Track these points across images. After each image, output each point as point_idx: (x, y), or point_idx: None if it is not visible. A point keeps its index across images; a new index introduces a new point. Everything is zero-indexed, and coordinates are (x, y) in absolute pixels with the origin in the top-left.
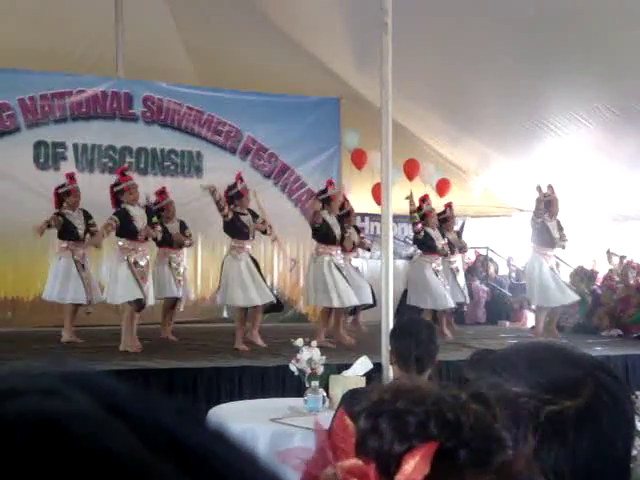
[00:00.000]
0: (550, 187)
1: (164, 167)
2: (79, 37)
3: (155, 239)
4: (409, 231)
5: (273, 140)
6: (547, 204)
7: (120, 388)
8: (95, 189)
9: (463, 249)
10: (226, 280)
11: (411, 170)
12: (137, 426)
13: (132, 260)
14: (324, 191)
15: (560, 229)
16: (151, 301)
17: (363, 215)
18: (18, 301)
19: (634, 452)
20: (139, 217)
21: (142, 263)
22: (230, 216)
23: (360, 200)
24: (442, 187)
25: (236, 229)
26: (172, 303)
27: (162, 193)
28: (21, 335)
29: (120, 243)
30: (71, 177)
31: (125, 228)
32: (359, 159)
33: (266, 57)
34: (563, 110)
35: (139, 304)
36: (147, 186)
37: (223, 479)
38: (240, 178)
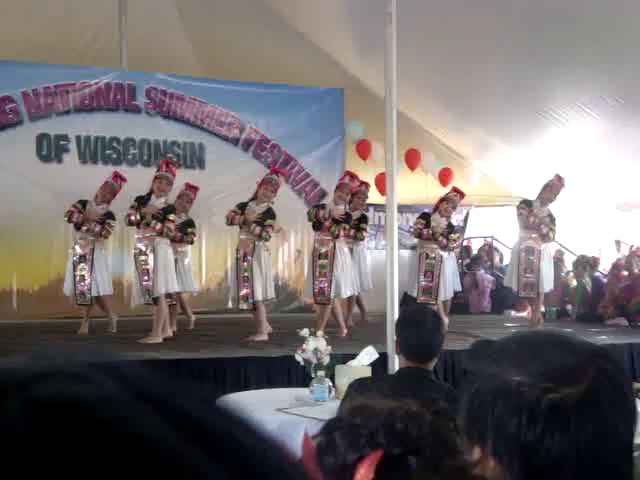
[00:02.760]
0: (557, 176)
1: (167, 159)
2: (82, 29)
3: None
4: (413, 220)
5: (276, 131)
6: (543, 187)
7: (146, 374)
8: (99, 181)
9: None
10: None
11: (412, 160)
12: (163, 412)
13: (137, 250)
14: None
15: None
16: (165, 290)
17: (368, 205)
18: (23, 293)
19: None
20: (156, 207)
21: (146, 250)
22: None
23: None
24: (444, 176)
25: None
26: None
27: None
28: (26, 327)
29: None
30: (116, 175)
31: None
32: (364, 150)
33: (269, 48)
34: (568, 100)
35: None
36: (150, 178)
37: (248, 466)
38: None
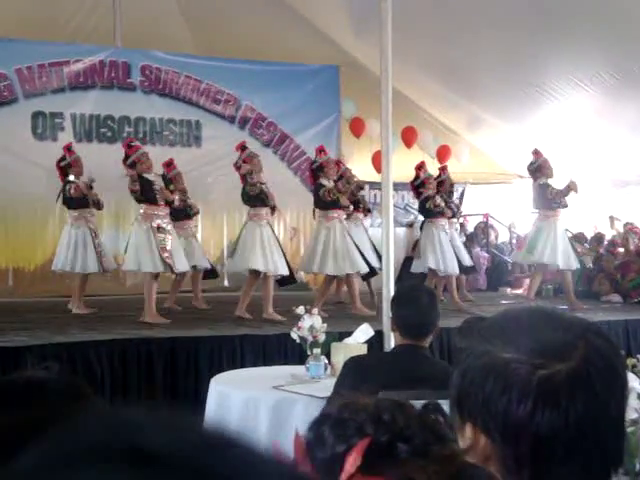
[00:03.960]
0: (535, 152)
1: (163, 137)
2: (76, 6)
3: (172, 203)
4: (409, 198)
5: (272, 109)
6: (537, 169)
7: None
8: (94, 159)
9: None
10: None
11: (409, 137)
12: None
13: (155, 225)
14: (314, 161)
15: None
16: (183, 268)
17: (363, 183)
18: (19, 271)
19: (635, 415)
20: (157, 183)
21: (167, 227)
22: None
23: (360, 168)
24: (442, 154)
25: (250, 196)
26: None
27: (169, 165)
28: (22, 305)
29: (141, 211)
30: (69, 149)
31: (146, 194)
32: (357, 127)
33: (265, 25)
34: (563, 75)
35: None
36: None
37: None
38: (241, 147)
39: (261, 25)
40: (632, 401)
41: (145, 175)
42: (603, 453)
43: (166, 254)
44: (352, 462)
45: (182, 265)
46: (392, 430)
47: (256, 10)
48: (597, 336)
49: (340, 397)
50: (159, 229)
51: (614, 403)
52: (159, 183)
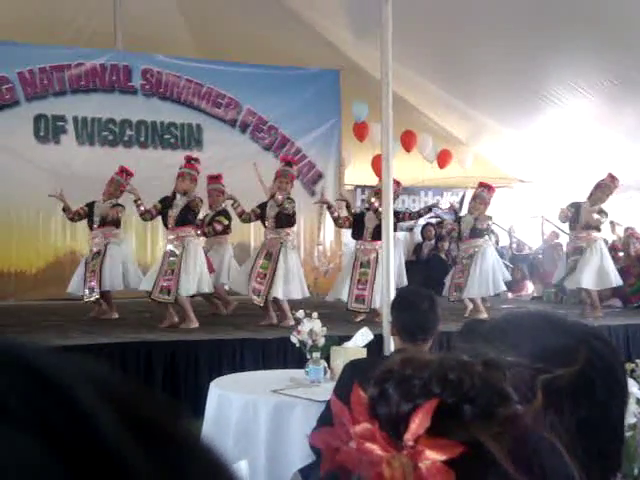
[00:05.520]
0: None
1: (164, 140)
2: (77, 9)
3: (206, 234)
4: (409, 203)
5: (273, 112)
6: (596, 187)
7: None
8: (95, 162)
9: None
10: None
11: (408, 141)
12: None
13: (167, 249)
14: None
15: (598, 212)
16: (187, 292)
17: (363, 187)
18: (20, 274)
19: (634, 420)
20: (179, 206)
21: (177, 252)
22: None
23: (361, 172)
24: (443, 159)
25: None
26: None
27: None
28: (23, 308)
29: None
30: (122, 170)
31: (163, 216)
32: (361, 131)
33: (265, 29)
34: (563, 81)
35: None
36: (147, 159)
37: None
38: (287, 162)
39: (262, 29)
40: (631, 406)
41: (177, 194)
42: (602, 457)
43: (168, 276)
44: (420, 424)
45: (187, 289)
46: (459, 391)
47: (257, 14)
48: (598, 340)
49: (401, 352)
50: (172, 254)
51: (615, 407)
52: (181, 207)
